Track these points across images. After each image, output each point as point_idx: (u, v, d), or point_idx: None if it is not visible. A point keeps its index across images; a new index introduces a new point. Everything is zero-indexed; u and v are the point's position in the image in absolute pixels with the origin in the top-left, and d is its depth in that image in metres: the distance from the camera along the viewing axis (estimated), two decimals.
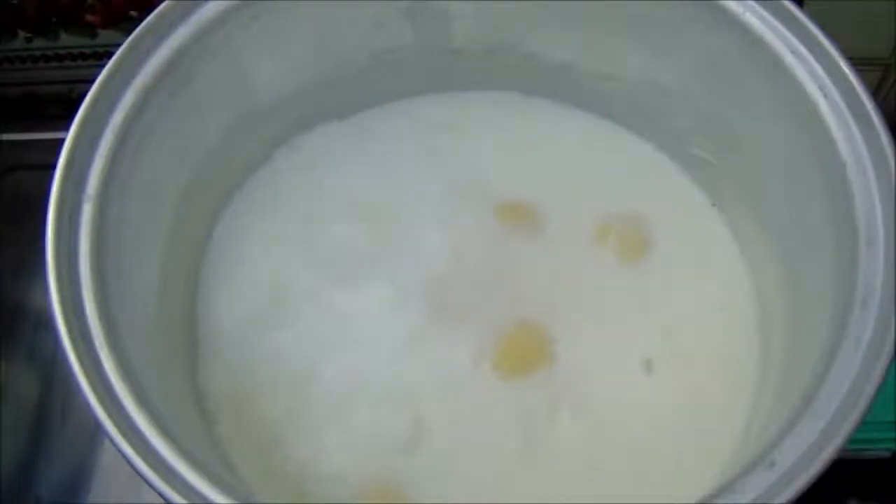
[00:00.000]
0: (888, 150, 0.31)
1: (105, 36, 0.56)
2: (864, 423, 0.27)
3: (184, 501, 0.27)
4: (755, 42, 0.33)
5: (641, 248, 0.39)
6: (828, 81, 0.32)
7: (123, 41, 0.34)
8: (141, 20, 0.34)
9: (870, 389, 0.28)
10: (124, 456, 0.28)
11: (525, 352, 0.37)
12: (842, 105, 0.32)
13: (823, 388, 0.28)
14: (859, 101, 0.31)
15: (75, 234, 0.31)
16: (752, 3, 0.33)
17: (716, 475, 0.34)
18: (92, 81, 0.33)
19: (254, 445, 0.36)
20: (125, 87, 0.33)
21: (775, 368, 0.35)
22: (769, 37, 0.33)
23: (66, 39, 0.56)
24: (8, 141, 0.56)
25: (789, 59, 0.33)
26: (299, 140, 0.42)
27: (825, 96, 0.32)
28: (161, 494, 0.27)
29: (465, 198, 0.40)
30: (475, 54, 0.41)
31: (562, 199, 0.40)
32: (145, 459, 0.27)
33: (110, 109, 0.33)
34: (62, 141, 0.32)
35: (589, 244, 0.40)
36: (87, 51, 0.56)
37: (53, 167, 0.32)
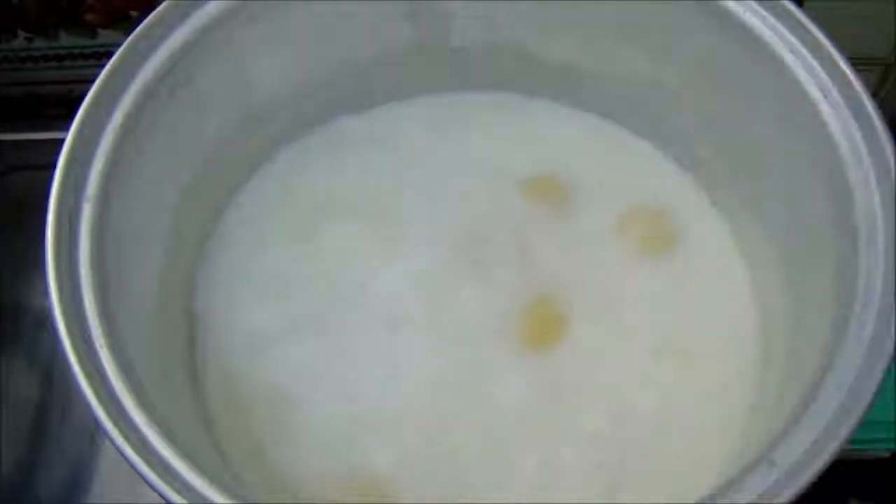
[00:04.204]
0: (888, 150, 0.31)
1: (105, 36, 0.56)
2: (864, 423, 0.27)
3: (184, 501, 0.27)
4: (755, 42, 0.33)
5: (661, 244, 0.40)
6: (828, 81, 0.32)
7: (123, 41, 0.34)
8: (141, 20, 0.34)
9: (870, 389, 0.28)
10: (124, 456, 0.28)
11: (542, 327, 0.38)
12: (842, 105, 0.32)
13: (823, 388, 0.28)
14: (859, 101, 0.31)
15: (75, 234, 0.31)
16: (752, 3, 0.33)
17: (716, 475, 0.34)
18: (92, 81, 0.33)
19: (253, 445, 0.36)
20: (125, 87, 0.33)
21: (775, 368, 0.35)
22: (769, 37, 0.33)
23: (66, 39, 0.56)
24: (8, 141, 0.56)
25: (789, 59, 0.33)
26: (300, 139, 0.42)
27: (825, 96, 0.32)
28: (161, 494, 0.27)
29: (484, 178, 0.41)
30: (475, 54, 0.41)
31: (572, 192, 0.41)
32: (145, 459, 0.27)
33: (110, 109, 0.33)
34: (62, 141, 0.32)
35: (602, 236, 0.40)
36: (87, 51, 0.56)
37: (53, 167, 0.32)
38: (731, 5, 0.33)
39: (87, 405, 0.28)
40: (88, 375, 0.29)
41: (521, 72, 0.42)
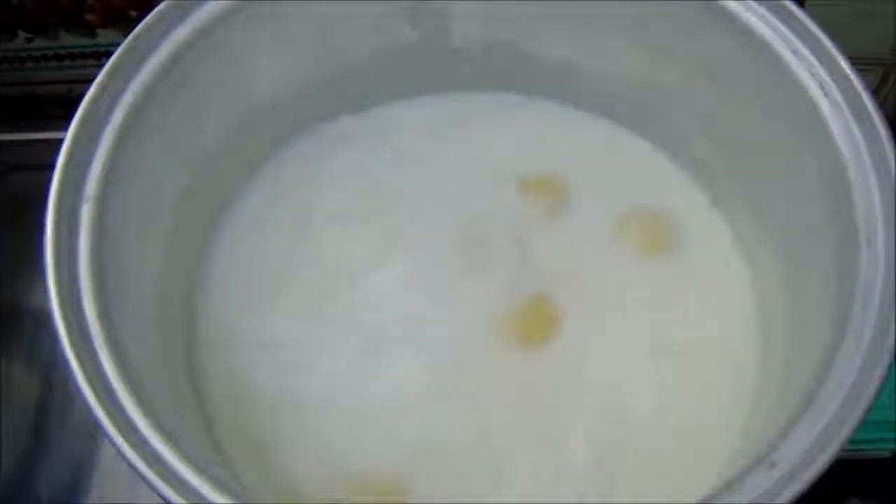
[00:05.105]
0: (888, 150, 0.31)
1: (105, 36, 0.56)
2: (864, 423, 0.27)
3: (184, 501, 0.27)
4: (755, 42, 0.33)
5: (660, 243, 0.40)
6: (828, 81, 0.32)
7: (123, 41, 0.34)
8: (141, 20, 0.34)
9: (870, 389, 0.28)
10: (124, 456, 0.28)
11: (540, 326, 0.38)
12: (842, 105, 0.32)
13: (823, 388, 0.28)
14: (859, 101, 0.31)
15: (75, 234, 0.31)
16: (753, 3, 0.33)
17: (716, 475, 0.34)
18: (92, 81, 0.33)
19: (253, 445, 0.36)
20: (125, 87, 0.33)
21: (776, 368, 0.35)
22: (769, 37, 0.33)
23: (66, 39, 0.56)
24: (8, 141, 0.56)
25: (789, 59, 0.33)
26: (300, 139, 0.42)
27: (825, 96, 0.32)
28: (161, 494, 0.27)
29: (483, 178, 0.41)
30: (475, 54, 0.41)
31: (571, 192, 0.41)
32: (145, 459, 0.27)
33: (110, 109, 0.33)
34: (62, 141, 0.32)
35: (602, 235, 0.40)
36: (87, 51, 0.56)
37: (53, 167, 0.32)
38: (732, 5, 0.33)
39: (87, 405, 0.28)
40: (88, 375, 0.29)
41: (521, 72, 0.42)
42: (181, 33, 0.34)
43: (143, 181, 0.34)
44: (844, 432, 0.27)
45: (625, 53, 0.39)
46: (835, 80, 0.32)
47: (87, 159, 0.32)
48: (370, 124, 0.43)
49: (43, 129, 0.55)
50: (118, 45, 0.33)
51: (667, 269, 0.39)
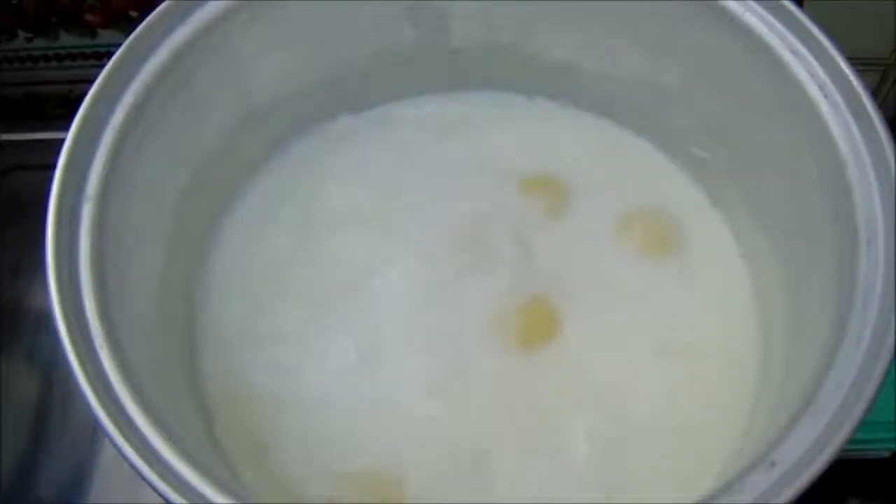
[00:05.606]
0: (888, 150, 0.31)
1: (105, 36, 0.56)
2: (864, 423, 0.27)
3: (184, 501, 0.27)
4: (755, 42, 0.33)
5: (660, 244, 0.40)
6: (828, 81, 0.32)
7: (123, 41, 0.34)
8: (141, 20, 0.34)
9: (870, 389, 0.28)
10: (124, 456, 0.28)
11: (540, 326, 0.38)
12: (842, 105, 0.32)
13: (823, 388, 0.28)
14: (859, 101, 0.31)
15: (75, 234, 0.31)
16: (752, 3, 0.33)
17: (716, 475, 0.34)
18: (92, 81, 0.33)
19: (253, 445, 0.36)
20: (125, 87, 0.33)
21: (776, 368, 0.35)
22: (769, 37, 0.33)
23: (66, 39, 0.56)
24: (8, 141, 0.56)
25: (789, 59, 0.33)
26: (300, 139, 0.42)
27: (825, 96, 0.32)
28: (161, 494, 0.27)
29: (483, 178, 0.41)
30: (475, 54, 0.41)
31: (572, 192, 0.41)
32: (145, 459, 0.27)
33: (110, 109, 0.33)
34: (62, 141, 0.32)
35: (602, 235, 0.40)
36: (87, 51, 0.56)
37: (53, 167, 0.32)
38: (731, 5, 0.33)
39: (87, 405, 0.28)
40: (88, 375, 0.29)
41: (521, 72, 0.42)
42: (182, 33, 0.34)
43: (143, 181, 0.34)
44: (844, 432, 0.27)
45: (625, 53, 0.39)
46: (834, 81, 0.32)
47: (87, 159, 0.32)
48: (370, 124, 0.43)
49: (43, 129, 0.55)
50: (118, 45, 0.33)
51: (667, 269, 0.39)
